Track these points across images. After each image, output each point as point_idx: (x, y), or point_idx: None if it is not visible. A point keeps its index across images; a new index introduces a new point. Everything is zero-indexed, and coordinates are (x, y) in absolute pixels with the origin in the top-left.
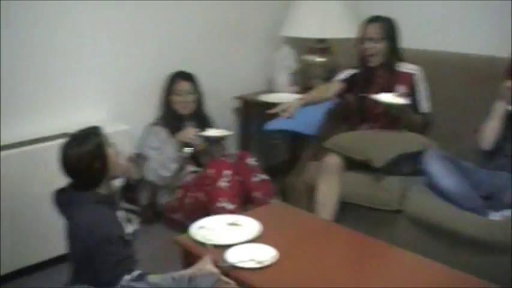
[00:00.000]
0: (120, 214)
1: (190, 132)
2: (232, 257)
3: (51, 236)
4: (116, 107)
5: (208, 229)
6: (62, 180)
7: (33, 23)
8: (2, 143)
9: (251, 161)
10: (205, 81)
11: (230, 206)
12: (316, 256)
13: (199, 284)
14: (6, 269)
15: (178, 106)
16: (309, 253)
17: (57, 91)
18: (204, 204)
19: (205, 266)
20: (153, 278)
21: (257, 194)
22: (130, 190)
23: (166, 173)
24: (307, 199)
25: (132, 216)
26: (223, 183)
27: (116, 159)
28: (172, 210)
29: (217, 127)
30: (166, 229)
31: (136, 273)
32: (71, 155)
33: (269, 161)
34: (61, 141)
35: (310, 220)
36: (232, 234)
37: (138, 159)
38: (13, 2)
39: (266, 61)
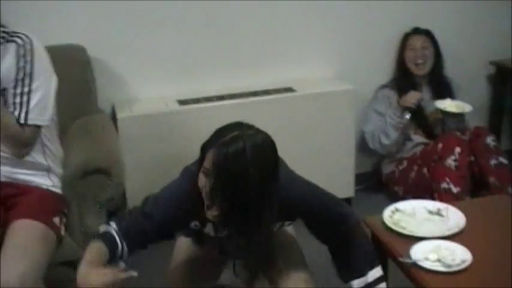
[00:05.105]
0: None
1: (413, 96)
2: (419, 252)
3: None
4: (344, 65)
5: (405, 214)
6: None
7: None
8: (235, 92)
9: (490, 140)
10: (450, 42)
11: (455, 189)
12: None
13: None
14: None
15: (412, 65)
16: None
17: (287, 45)
18: (428, 181)
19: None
20: None
21: (493, 180)
22: None
23: (386, 141)
24: None
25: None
26: (451, 161)
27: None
28: (394, 182)
29: (461, 96)
30: (385, 201)
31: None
32: None
33: None
34: (287, 95)
35: None
36: (429, 225)
37: None
38: None
39: None
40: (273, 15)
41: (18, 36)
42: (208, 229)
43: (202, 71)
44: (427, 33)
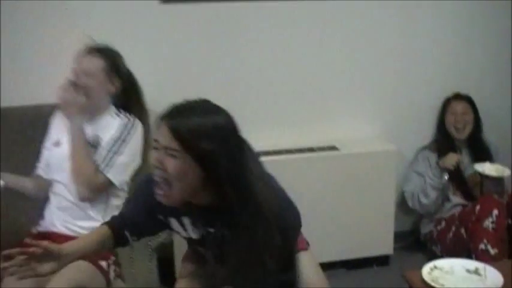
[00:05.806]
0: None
1: (452, 158)
2: None
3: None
4: (388, 126)
5: (443, 271)
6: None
7: (310, 41)
8: (280, 148)
9: None
10: (489, 107)
11: (492, 251)
12: None
13: None
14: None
15: (452, 128)
16: None
17: (333, 104)
18: (466, 242)
19: None
20: None
21: None
22: None
23: (425, 201)
24: None
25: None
26: (488, 223)
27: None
28: (432, 242)
29: (500, 159)
30: (423, 259)
31: None
32: None
33: None
34: (331, 153)
35: None
36: (467, 283)
37: None
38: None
39: None
40: (320, 75)
41: (132, 117)
42: (175, 226)
43: (248, 127)
44: (468, 99)
